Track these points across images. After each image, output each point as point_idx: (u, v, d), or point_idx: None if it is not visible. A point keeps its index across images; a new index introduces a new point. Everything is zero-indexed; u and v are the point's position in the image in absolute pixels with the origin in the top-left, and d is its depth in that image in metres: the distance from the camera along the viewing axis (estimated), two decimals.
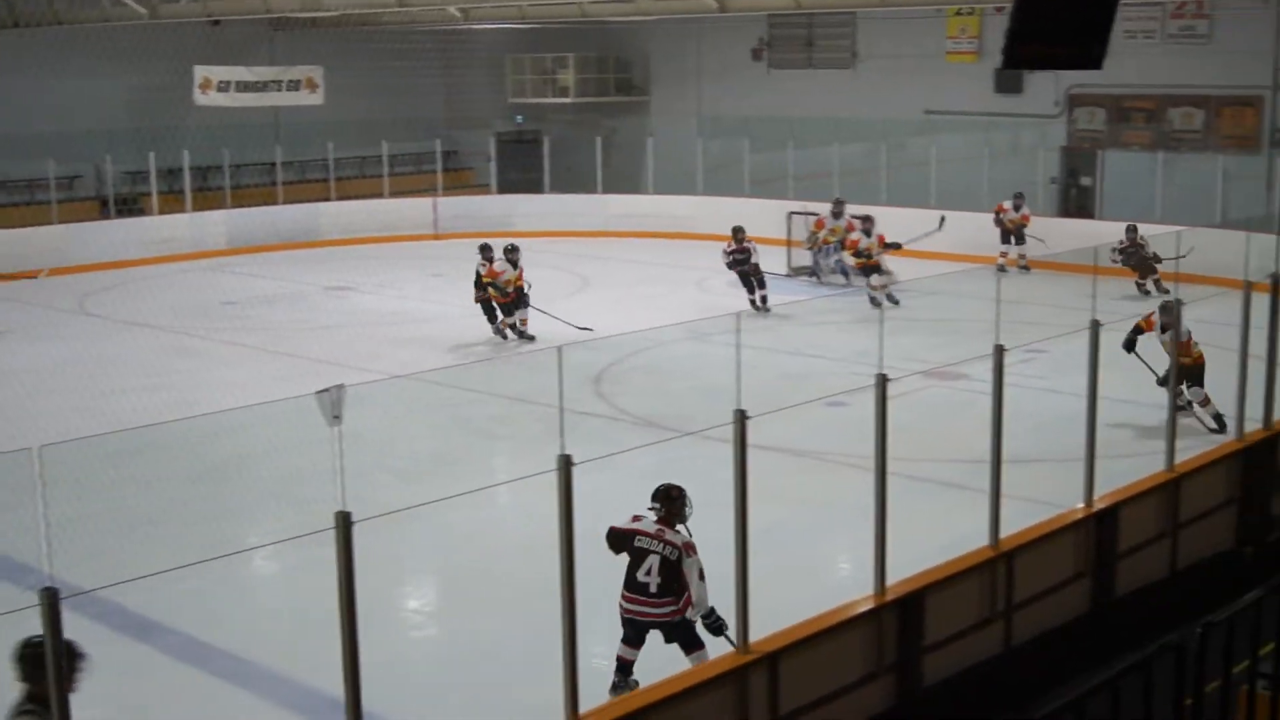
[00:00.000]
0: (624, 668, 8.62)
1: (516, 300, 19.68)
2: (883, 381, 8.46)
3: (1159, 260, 21.62)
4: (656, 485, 8.68)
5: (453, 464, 13.94)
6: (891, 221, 23.00)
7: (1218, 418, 13.83)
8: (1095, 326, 10.10)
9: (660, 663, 8.33)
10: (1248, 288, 11.56)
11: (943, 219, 23.42)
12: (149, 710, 9.17)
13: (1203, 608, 6.97)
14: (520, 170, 33.31)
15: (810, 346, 19.24)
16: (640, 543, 8.45)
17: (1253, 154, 26.28)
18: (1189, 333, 13.93)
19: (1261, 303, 11.64)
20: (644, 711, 7.36)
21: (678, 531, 8.47)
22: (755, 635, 7.99)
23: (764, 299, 21.53)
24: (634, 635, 8.59)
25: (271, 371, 17.94)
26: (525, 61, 35.50)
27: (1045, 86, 28.65)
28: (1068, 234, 25.15)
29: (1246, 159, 26.17)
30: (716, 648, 8.27)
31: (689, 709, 7.57)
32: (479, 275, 19.95)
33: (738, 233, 21.60)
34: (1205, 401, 14.12)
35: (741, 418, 7.63)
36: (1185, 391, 14.23)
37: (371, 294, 24.35)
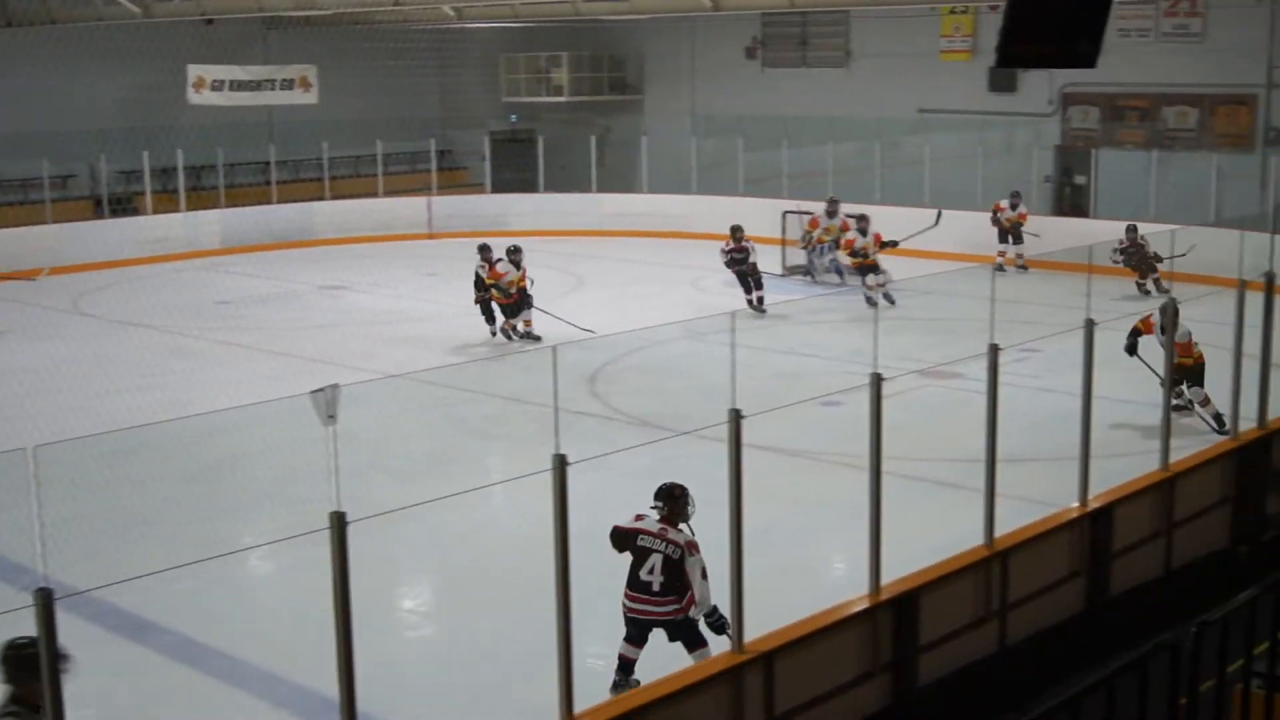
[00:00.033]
0: (626, 666, 8.62)
1: (520, 301, 19.60)
2: (877, 381, 8.46)
3: (1160, 259, 21.56)
4: (651, 484, 8.68)
5: (448, 464, 13.94)
6: (886, 220, 23.02)
7: (1217, 417, 13.85)
8: (1090, 325, 10.11)
9: (664, 661, 8.32)
10: (1242, 286, 11.56)
11: (939, 213, 23.40)
12: (144, 710, 9.16)
13: (1197, 607, 6.97)
14: (515, 169, 33.30)
15: (805, 346, 19.24)
16: (643, 541, 8.47)
17: (1247, 153, 26.29)
18: (1189, 333, 13.97)
19: (1256, 301, 11.66)
20: (639, 711, 7.37)
21: (680, 530, 8.48)
22: (750, 635, 8.00)
23: (760, 299, 21.43)
24: (637, 634, 8.60)
25: (266, 371, 17.92)
26: (519, 60, 35.49)
27: (1039, 85, 28.66)
28: (1062, 233, 25.15)
29: (1240, 158, 26.19)
30: (720, 646, 8.27)
31: (684, 709, 7.57)
32: (479, 276, 19.88)
33: (736, 232, 21.54)
34: (1205, 401, 14.13)
35: (736, 417, 7.63)
36: (1186, 392, 14.27)
37: (366, 293, 24.34)
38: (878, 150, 29.13)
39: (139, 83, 28.57)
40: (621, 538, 8.54)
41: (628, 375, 17.76)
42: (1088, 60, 9.33)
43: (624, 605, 8.58)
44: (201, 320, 21.99)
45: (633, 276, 25.70)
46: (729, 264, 21.68)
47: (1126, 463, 11.59)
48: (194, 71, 28.56)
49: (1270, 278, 11.80)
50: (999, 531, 9.45)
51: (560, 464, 6.90)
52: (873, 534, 8.54)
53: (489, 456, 14.84)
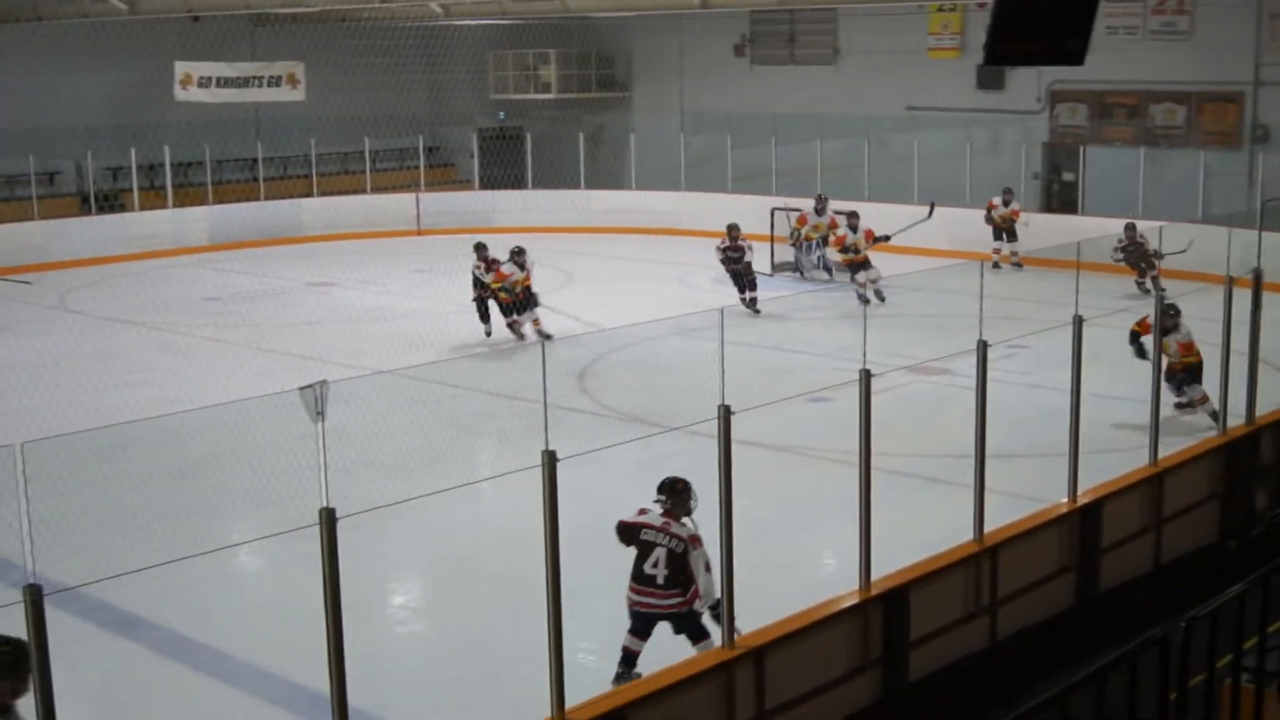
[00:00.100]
0: (629, 659, 8.64)
1: (526, 300, 19.51)
2: (866, 377, 8.47)
3: (1160, 256, 21.44)
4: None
5: (437, 460, 13.91)
6: (875, 217, 23.01)
7: (1214, 415, 13.88)
8: (1078, 322, 10.12)
9: (668, 654, 8.32)
10: (1230, 283, 11.58)
11: (932, 206, 23.38)
12: (135, 706, 9.16)
13: (1186, 602, 6.99)
14: (503, 166, 33.27)
15: (794, 342, 19.25)
16: (647, 535, 8.49)
17: (1234, 150, 26.36)
18: (1190, 332, 14.04)
19: (1243, 298, 11.68)
20: (630, 706, 7.37)
21: (683, 524, 8.49)
22: (719, 638, 8.02)
23: (753, 300, 21.23)
24: (641, 627, 8.61)
25: (254, 368, 17.88)
26: (507, 57, 35.46)
27: (1027, 82, 28.69)
28: (1051, 229, 25.14)
29: (1228, 155, 26.25)
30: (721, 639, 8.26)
31: (675, 704, 7.58)
32: (475, 275, 19.76)
33: (732, 230, 21.39)
34: (1204, 399, 14.16)
35: (726, 413, 7.63)
36: (1186, 390, 14.32)
37: (354, 290, 24.32)
38: (866, 147, 29.15)
39: (126, 79, 28.52)
40: (626, 532, 8.57)
41: (617, 371, 17.76)
42: (1076, 58, 9.34)
43: (628, 598, 8.60)
44: (189, 317, 21.95)
45: (622, 273, 25.69)
46: (723, 262, 21.61)
47: (1115, 458, 11.62)
48: (181, 68, 28.47)
49: (1258, 274, 11.83)
50: (989, 527, 9.47)
51: (550, 460, 6.89)
52: (863, 529, 8.55)
53: (478, 453, 14.83)
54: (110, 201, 29.68)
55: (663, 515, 8.51)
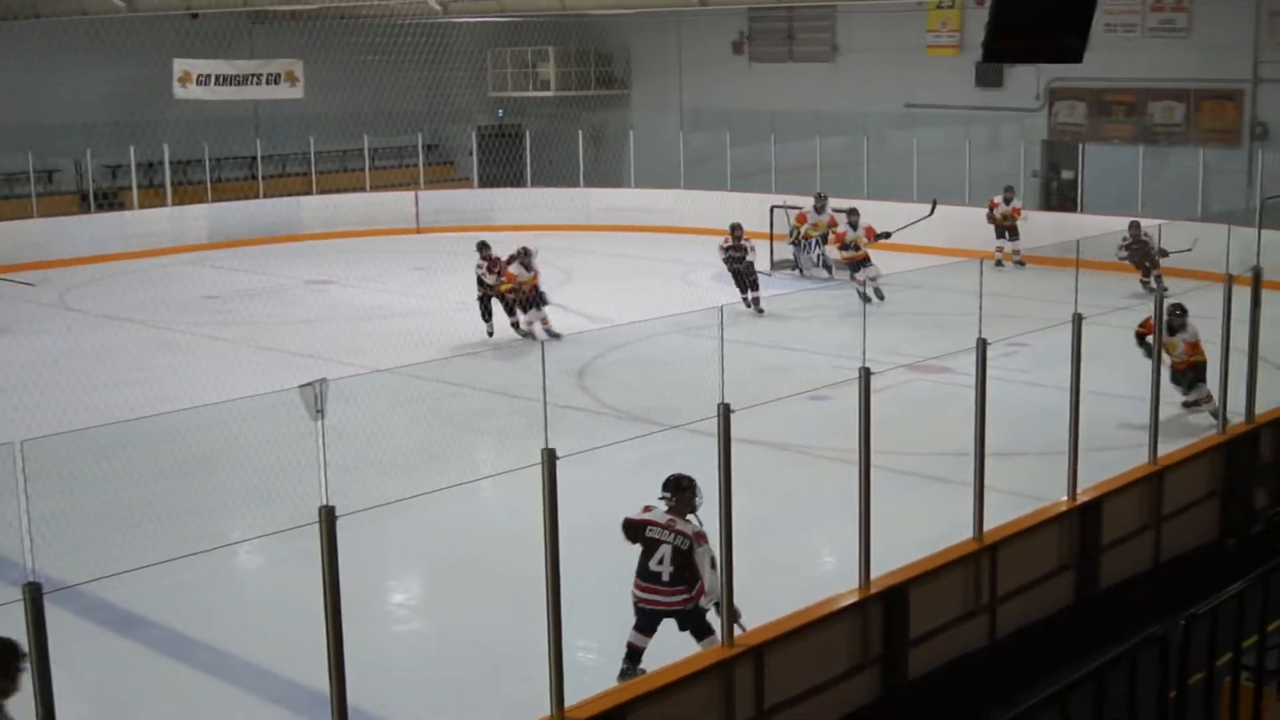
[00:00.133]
0: (634, 655, 8.65)
1: (534, 300, 19.42)
2: (866, 375, 8.47)
3: (1165, 254, 21.22)
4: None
5: (436, 458, 13.91)
6: (874, 215, 22.99)
7: (1215, 413, 13.89)
8: (1078, 320, 10.12)
9: (672, 650, 8.32)
10: (1229, 281, 11.58)
11: (934, 203, 23.34)
12: (133, 704, 9.16)
13: (1186, 600, 6.99)
14: (502, 164, 33.27)
15: (793, 340, 19.25)
16: (652, 532, 8.49)
17: (1233, 147, 26.35)
18: (1197, 331, 14.04)
19: (1243, 295, 11.68)
20: (629, 705, 7.36)
21: (688, 521, 8.49)
22: (746, 627, 8.02)
23: (756, 300, 21.13)
24: (646, 623, 8.63)
25: (253, 366, 17.87)
26: (506, 55, 35.45)
27: (1026, 80, 28.69)
28: (1050, 227, 25.16)
29: (1227, 152, 26.24)
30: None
31: (674, 703, 7.58)
32: (478, 274, 19.67)
33: (735, 230, 21.29)
34: (1208, 399, 14.17)
35: (725, 411, 7.63)
36: (1195, 389, 14.32)
37: (353, 288, 24.31)
38: (865, 145, 29.14)
39: (124, 77, 28.47)
40: (631, 529, 8.58)
41: (616, 369, 17.75)
42: (1074, 55, 9.35)
43: (634, 595, 8.61)
44: (188, 315, 21.95)
45: (621, 271, 25.69)
46: (726, 261, 21.54)
47: (1115, 456, 11.61)
48: (180, 66, 28.44)
49: (1257, 272, 11.83)
50: (988, 525, 9.47)
51: (549, 458, 6.89)
52: (862, 528, 8.54)
53: (478, 451, 14.82)
54: (109, 199, 29.67)
55: (668, 512, 8.52)
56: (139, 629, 9.95)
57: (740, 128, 31.10)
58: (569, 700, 7.10)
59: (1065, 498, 10.20)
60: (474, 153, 33.81)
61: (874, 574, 8.65)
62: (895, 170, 28.18)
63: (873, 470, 8.60)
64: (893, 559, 8.91)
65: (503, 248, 19.84)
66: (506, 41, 34.89)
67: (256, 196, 30.85)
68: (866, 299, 20.79)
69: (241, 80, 29.55)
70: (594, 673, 8.56)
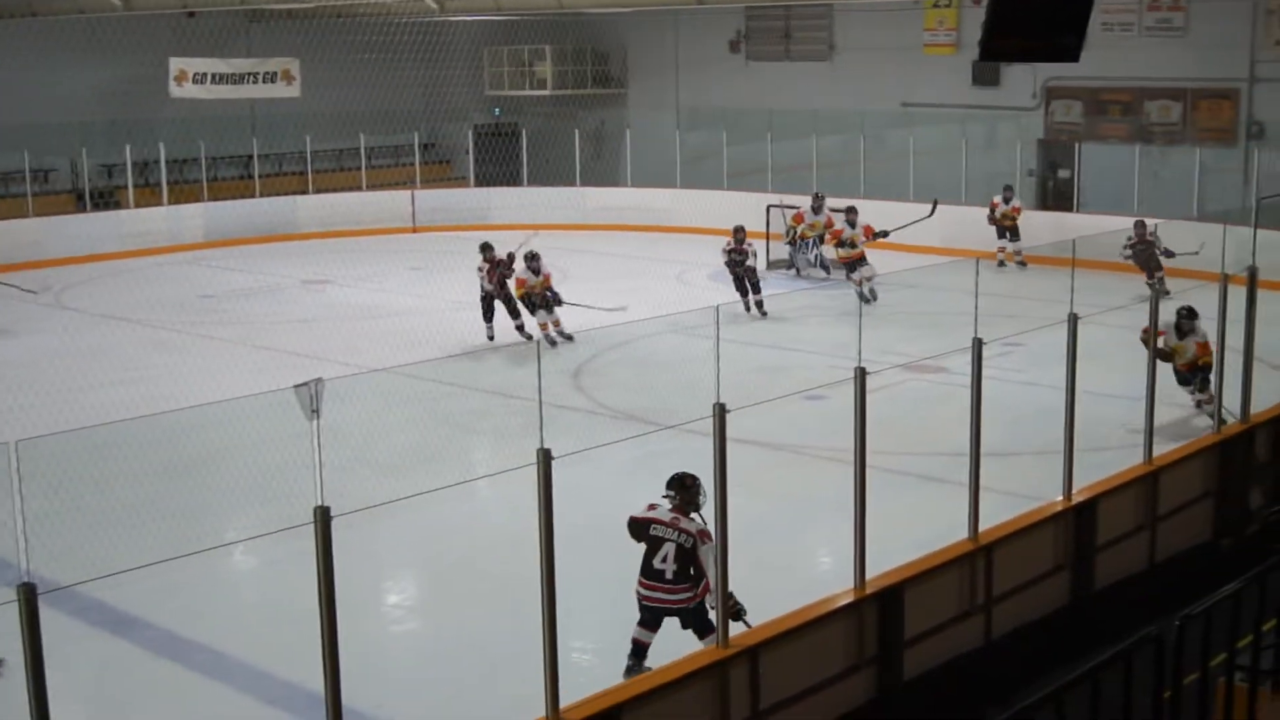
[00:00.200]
0: (639, 651, 8.66)
1: (546, 302, 19.16)
2: (861, 375, 8.47)
3: (1170, 255, 21.04)
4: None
5: (432, 458, 13.90)
6: (870, 214, 22.99)
7: (1211, 414, 13.88)
8: (1073, 319, 10.13)
9: (675, 648, 8.33)
10: (1224, 280, 11.59)
11: (935, 203, 23.31)
12: (128, 706, 9.14)
13: (1181, 600, 6.99)
14: (498, 163, 33.26)
15: (789, 340, 19.24)
16: (655, 530, 8.51)
17: (1229, 147, 26.36)
18: (1206, 333, 14.05)
19: (1238, 295, 11.68)
20: (624, 706, 7.36)
21: (692, 519, 8.50)
22: (735, 629, 8.01)
23: (759, 303, 20.95)
24: (651, 619, 8.64)
25: (249, 365, 17.85)
26: (502, 53, 35.45)
27: (1023, 79, 28.71)
28: (1046, 227, 25.14)
29: (1223, 151, 26.25)
30: (734, 630, 8.22)
31: (670, 703, 7.58)
32: (480, 276, 19.50)
33: (738, 232, 21.14)
34: (1210, 399, 14.16)
35: (721, 411, 7.63)
36: (1204, 389, 14.33)
37: (349, 287, 24.28)
38: (862, 144, 29.14)
39: (120, 75, 28.46)
40: (636, 527, 8.59)
41: (612, 369, 17.75)
42: (1071, 54, 9.35)
43: (638, 593, 8.62)
44: (184, 314, 21.93)
45: (617, 270, 25.66)
46: (728, 264, 21.47)
47: (1110, 456, 11.62)
48: (176, 64, 28.41)
49: (1253, 272, 11.84)
50: (983, 525, 9.48)
51: (545, 458, 6.89)
52: (857, 528, 8.55)
53: (474, 451, 14.82)
54: (105, 198, 29.65)
55: (672, 510, 8.53)
56: (134, 630, 9.94)
57: (737, 127, 31.10)
58: (564, 701, 7.11)
59: (1060, 498, 10.21)
60: (470, 152, 33.79)
61: (869, 574, 8.66)
62: (892, 169, 28.18)
63: (868, 470, 8.61)
64: (888, 559, 8.91)
65: (502, 248, 19.80)
66: (503, 40, 34.88)
67: (252, 196, 30.81)
68: (865, 299, 20.79)
69: (238, 79, 29.54)
70: (590, 673, 8.56)
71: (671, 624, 8.59)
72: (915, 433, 13.99)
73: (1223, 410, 13.39)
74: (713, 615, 8.46)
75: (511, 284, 19.22)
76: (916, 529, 10.14)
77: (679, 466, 8.69)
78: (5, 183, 28.92)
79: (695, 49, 34.06)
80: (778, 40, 33.22)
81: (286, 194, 31.21)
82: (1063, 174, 28.49)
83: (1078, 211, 26.39)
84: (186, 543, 9.91)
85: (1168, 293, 16.09)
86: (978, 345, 9.31)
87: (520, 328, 19.26)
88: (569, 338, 18.94)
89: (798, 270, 24.87)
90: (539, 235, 20.12)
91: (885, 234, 21.94)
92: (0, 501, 5.67)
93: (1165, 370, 13.64)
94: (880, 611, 8.72)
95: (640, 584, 8.61)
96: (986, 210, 25.37)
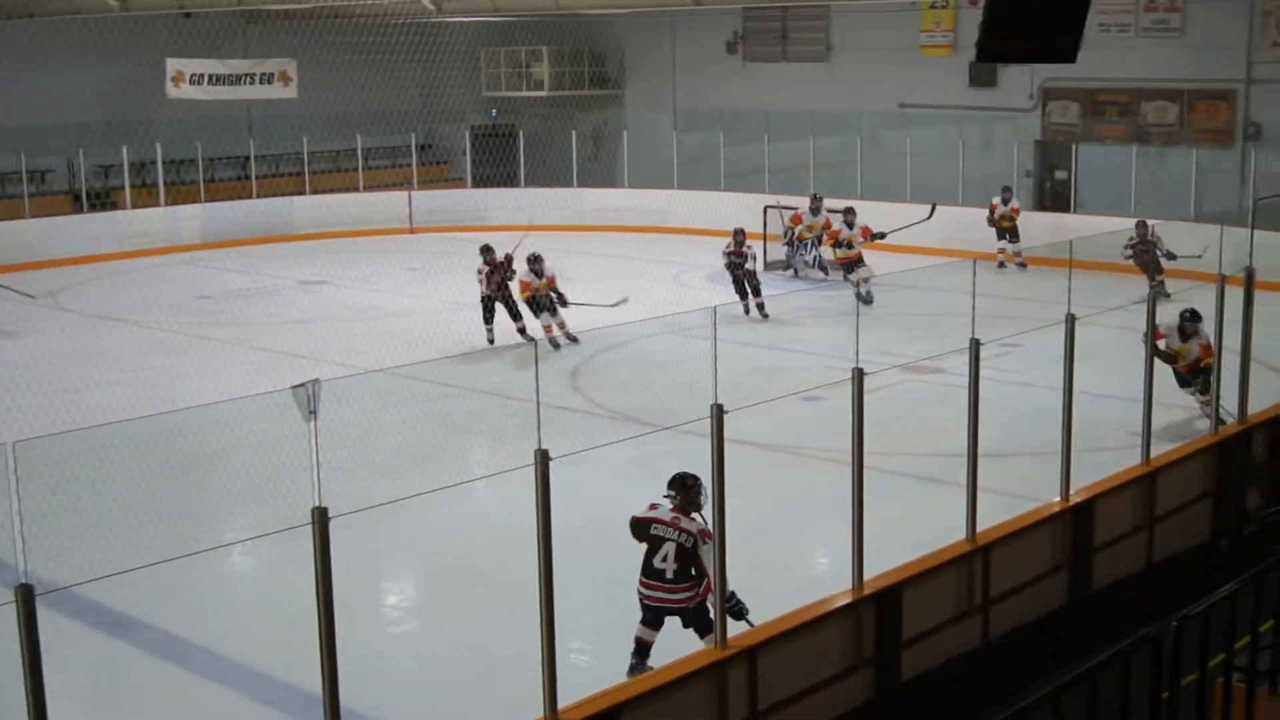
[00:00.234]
0: (642, 649, 8.66)
1: (552, 305, 19.07)
2: (859, 375, 8.47)
3: (1172, 257, 20.84)
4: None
5: (430, 459, 13.90)
6: (868, 215, 23.00)
7: (1209, 415, 13.88)
8: (1071, 320, 10.13)
9: (677, 647, 8.33)
10: (1222, 281, 11.59)
11: (933, 206, 23.31)
12: (126, 707, 9.14)
13: (1179, 601, 6.99)
14: (495, 164, 33.25)
15: (786, 341, 19.25)
16: (656, 530, 8.52)
17: (1226, 148, 26.39)
18: (1208, 335, 14.05)
19: (1235, 296, 11.69)
20: (622, 707, 7.36)
21: (693, 519, 8.50)
22: (734, 630, 8.02)
23: (759, 305, 20.87)
24: (653, 619, 8.65)
25: (246, 366, 17.84)
26: (499, 54, 35.45)
27: (1020, 80, 28.73)
28: (1044, 227, 25.14)
29: (1220, 152, 26.29)
30: (736, 630, 8.24)
31: (667, 704, 7.57)
32: (480, 278, 19.42)
33: (738, 235, 21.10)
34: (1207, 400, 14.18)
35: (719, 412, 7.63)
36: (1198, 393, 14.34)
37: (346, 288, 24.28)
38: (859, 145, 29.15)
39: (117, 76, 28.43)
40: (637, 526, 8.60)
41: (610, 370, 17.75)
42: (1068, 55, 9.35)
43: (639, 592, 8.63)
44: (181, 315, 21.92)
45: (614, 271, 25.64)
46: (727, 266, 21.44)
47: (1108, 457, 11.62)
48: (173, 65, 28.39)
49: (1250, 273, 11.84)
50: (981, 526, 9.48)
51: (542, 459, 6.89)
52: (855, 529, 8.55)
53: (471, 452, 14.81)
54: (102, 199, 29.65)
55: (673, 510, 8.53)
56: (132, 630, 9.93)
57: (734, 128, 31.10)
58: (562, 701, 7.10)
59: (1058, 498, 10.21)
60: (468, 153, 33.79)
61: (867, 575, 8.66)
62: (889, 170, 28.19)
63: (866, 471, 8.61)
64: (886, 560, 8.91)
65: (500, 249, 19.78)
66: (500, 41, 34.88)
67: (250, 196, 30.81)
68: (864, 300, 20.77)
69: (235, 80, 29.52)
70: (588, 674, 8.56)
71: (672, 623, 8.59)
72: (913, 433, 14.00)
73: (1220, 411, 13.41)
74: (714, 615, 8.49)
75: (514, 287, 19.17)
76: (914, 530, 10.14)
77: (677, 467, 8.70)
78: (2, 184, 28.90)
79: (692, 50, 34.08)
80: (775, 41, 33.24)
81: (283, 195, 31.22)
82: (1060, 175, 28.50)
83: (1075, 212, 26.40)
84: (184, 544, 9.90)
85: (1168, 295, 16.08)
86: (975, 346, 9.31)
87: (522, 330, 19.19)
88: (574, 340, 18.89)
89: (795, 271, 24.86)
90: (531, 235, 20.03)
91: (883, 235, 21.94)
92: None
93: (1165, 371, 13.66)
94: (878, 612, 8.72)
95: (641, 583, 8.61)
96: (984, 211, 25.34)
